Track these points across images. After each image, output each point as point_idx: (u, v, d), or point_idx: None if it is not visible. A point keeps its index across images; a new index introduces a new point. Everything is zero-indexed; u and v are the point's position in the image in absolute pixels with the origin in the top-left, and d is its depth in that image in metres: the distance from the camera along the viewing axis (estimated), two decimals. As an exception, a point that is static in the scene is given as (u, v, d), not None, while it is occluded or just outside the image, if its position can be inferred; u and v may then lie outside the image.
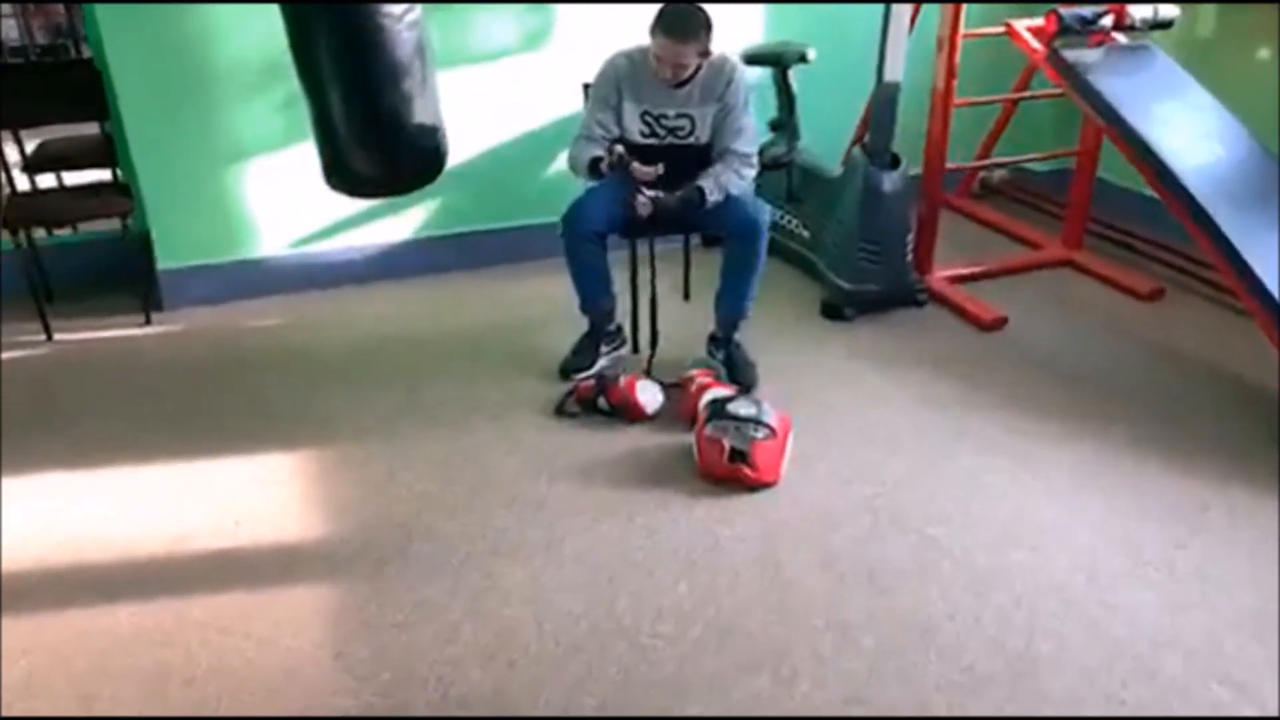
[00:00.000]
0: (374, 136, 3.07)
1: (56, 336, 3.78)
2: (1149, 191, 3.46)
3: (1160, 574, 2.47)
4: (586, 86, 3.34)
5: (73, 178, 4.30)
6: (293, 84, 3.04)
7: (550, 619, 2.33)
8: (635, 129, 3.24)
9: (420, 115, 3.06)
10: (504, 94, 4.08)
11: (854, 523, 2.67)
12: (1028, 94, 4.46)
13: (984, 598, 2.39)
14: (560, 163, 3.39)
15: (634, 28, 3.18)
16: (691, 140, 3.26)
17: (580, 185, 3.33)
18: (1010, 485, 2.83)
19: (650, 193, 3.11)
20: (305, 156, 3.27)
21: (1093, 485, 2.82)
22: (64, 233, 4.18)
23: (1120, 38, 3.72)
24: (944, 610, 2.36)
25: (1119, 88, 3.45)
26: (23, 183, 4.24)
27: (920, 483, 2.85)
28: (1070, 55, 3.55)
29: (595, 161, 3.17)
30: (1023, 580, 2.45)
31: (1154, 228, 4.26)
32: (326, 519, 2.72)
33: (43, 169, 4.24)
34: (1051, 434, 3.06)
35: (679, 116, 3.23)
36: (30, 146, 4.27)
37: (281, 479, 2.91)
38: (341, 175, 3.16)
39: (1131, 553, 2.55)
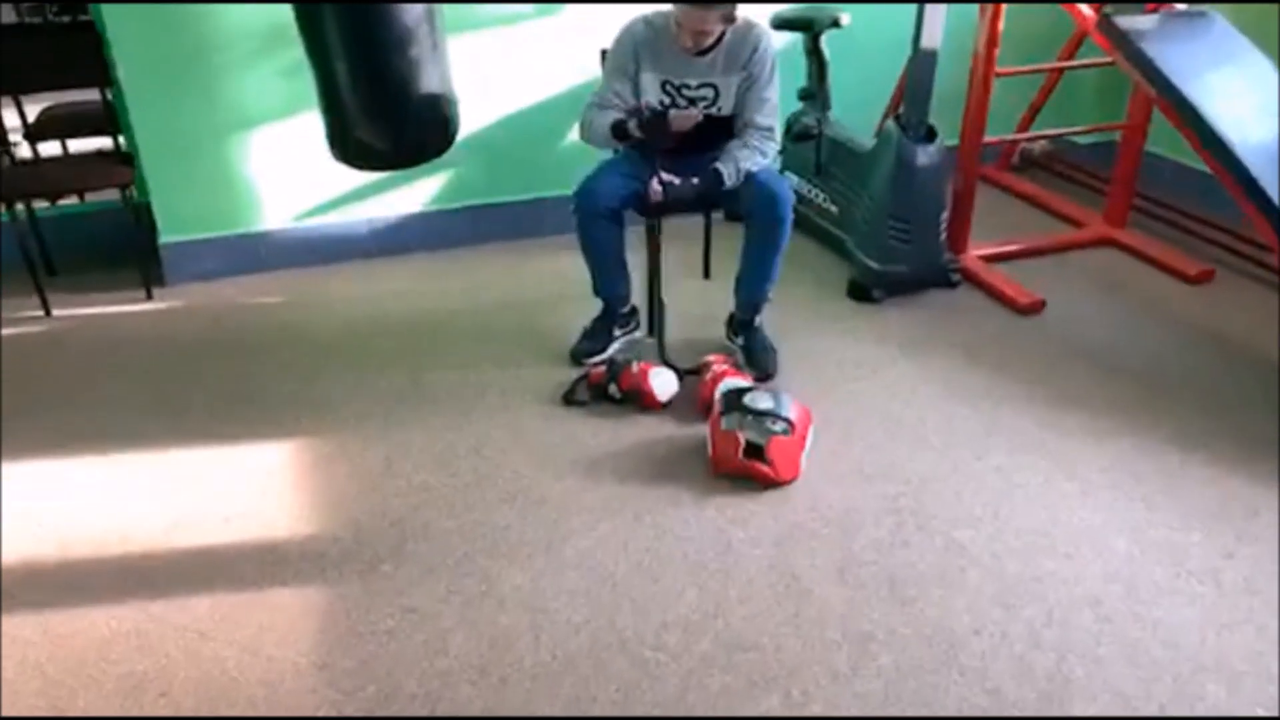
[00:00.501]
0: (381, 106, 2.96)
1: (55, 312, 3.69)
2: (1200, 166, 3.26)
3: (1205, 586, 2.31)
4: (604, 53, 3.16)
5: (79, 145, 4.20)
6: (298, 50, 2.92)
7: (547, 629, 2.21)
8: (655, 99, 3.06)
9: (429, 83, 2.95)
10: (518, 60, 3.92)
11: (876, 525, 2.52)
12: (1075, 63, 4.22)
13: (1013, 611, 2.24)
14: (577, 133, 3.21)
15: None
16: (714, 111, 3.07)
17: (595, 159, 3.17)
18: (1043, 486, 2.67)
19: (665, 177, 2.94)
20: (310, 126, 3.16)
21: (1132, 487, 2.65)
22: (69, 202, 4.07)
23: (1178, 4, 3.49)
24: (969, 624, 2.21)
25: (1174, 57, 3.23)
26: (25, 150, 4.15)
27: (948, 482, 2.69)
28: (1123, 22, 3.33)
29: (620, 124, 3.00)
30: (1055, 592, 2.30)
31: (1204, 205, 4.07)
32: (319, 514, 2.60)
33: (45, 136, 4.13)
34: (1089, 430, 2.89)
35: (701, 86, 3.04)
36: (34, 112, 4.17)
37: (275, 469, 2.80)
38: (347, 146, 3.06)
39: (1173, 562, 2.38)
